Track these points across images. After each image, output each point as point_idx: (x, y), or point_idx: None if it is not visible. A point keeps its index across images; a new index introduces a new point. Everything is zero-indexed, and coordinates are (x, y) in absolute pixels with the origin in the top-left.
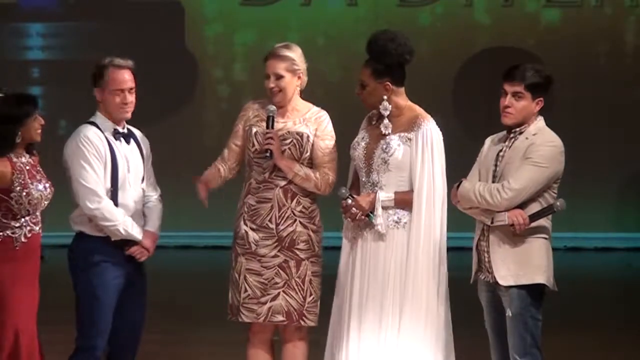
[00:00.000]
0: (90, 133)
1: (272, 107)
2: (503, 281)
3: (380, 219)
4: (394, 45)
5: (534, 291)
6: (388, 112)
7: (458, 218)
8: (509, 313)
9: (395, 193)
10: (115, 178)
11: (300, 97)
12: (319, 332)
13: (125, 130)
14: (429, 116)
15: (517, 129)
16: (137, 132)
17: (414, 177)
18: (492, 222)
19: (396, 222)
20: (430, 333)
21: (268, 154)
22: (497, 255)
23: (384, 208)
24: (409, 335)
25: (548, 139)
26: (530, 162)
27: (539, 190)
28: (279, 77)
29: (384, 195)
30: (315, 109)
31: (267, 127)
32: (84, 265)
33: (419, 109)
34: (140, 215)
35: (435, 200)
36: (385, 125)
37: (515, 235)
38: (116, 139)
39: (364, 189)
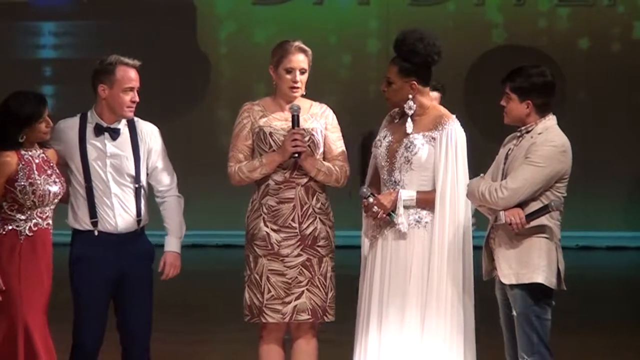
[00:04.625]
0: (61, 125)
1: (296, 106)
2: (506, 280)
3: (402, 218)
4: (422, 44)
5: (536, 290)
6: (412, 111)
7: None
8: (514, 312)
9: (417, 192)
10: (87, 173)
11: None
12: (332, 332)
13: (118, 125)
14: (453, 116)
15: (524, 128)
16: (143, 126)
17: (437, 177)
18: (495, 221)
19: (417, 221)
20: (455, 334)
21: (297, 155)
22: (500, 253)
23: (406, 207)
24: (433, 337)
25: (549, 138)
26: (528, 161)
27: (538, 190)
28: (304, 71)
29: (406, 194)
30: (316, 103)
31: (293, 127)
32: (70, 260)
33: (443, 109)
34: (134, 211)
35: (459, 201)
36: (409, 124)
37: (517, 235)
38: (97, 135)
39: (385, 187)
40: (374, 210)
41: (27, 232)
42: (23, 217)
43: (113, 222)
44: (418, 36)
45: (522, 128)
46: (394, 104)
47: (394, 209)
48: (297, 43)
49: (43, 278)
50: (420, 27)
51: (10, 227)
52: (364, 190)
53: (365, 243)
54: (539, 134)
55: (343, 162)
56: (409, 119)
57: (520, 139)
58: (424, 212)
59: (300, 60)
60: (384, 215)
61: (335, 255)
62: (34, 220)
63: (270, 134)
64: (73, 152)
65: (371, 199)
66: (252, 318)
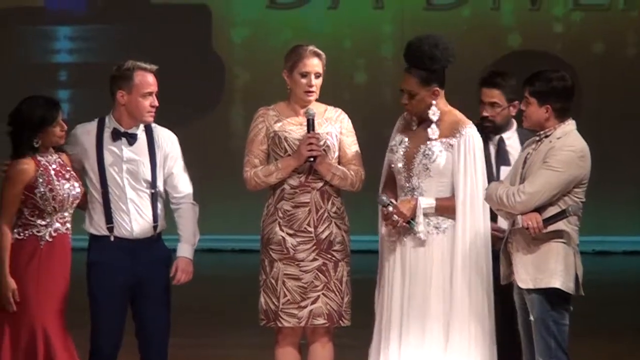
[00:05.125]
0: (79, 130)
1: (312, 110)
2: (523, 284)
3: (422, 226)
4: (438, 50)
5: (553, 295)
6: (437, 117)
7: None
8: (531, 317)
9: (437, 199)
10: (103, 178)
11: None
12: (348, 337)
13: (136, 131)
14: (470, 121)
15: (543, 132)
16: (160, 132)
17: (457, 184)
18: (513, 225)
19: (436, 227)
20: (480, 346)
21: (312, 160)
22: (518, 258)
23: (425, 215)
24: (457, 349)
25: (567, 143)
26: (546, 166)
27: (556, 195)
28: (318, 75)
29: (426, 202)
30: (331, 108)
31: (308, 131)
32: (87, 265)
33: (459, 114)
34: (150, 217)
35: (479, 207)
36: (433, 130)
37: (535, 239)
38: (114, 140)
39: (403, 193)
40: (393, 219)
41: (47, 237)
42: (44, 223)
43: (129, 227)
44: (433, 42)
45: (541, 132)
46: (417, 114)
47: (413, 216)
48: (311, 47)
49: (60, 284)
50: (430, 33)
51: (30, 233)
52: (383, 198)
53: (384, 248)
54: (558, 138)
55: (358, 167)
56: (433, 125)
57: (539, 143)
58: (443, 218)
59: (314, 64)
60: (404, 224)
61: (351, 260)
62: (54, 226)
63: (285, 138)
64: (90, 157)
65: (390, 208)
66: (268, 322)
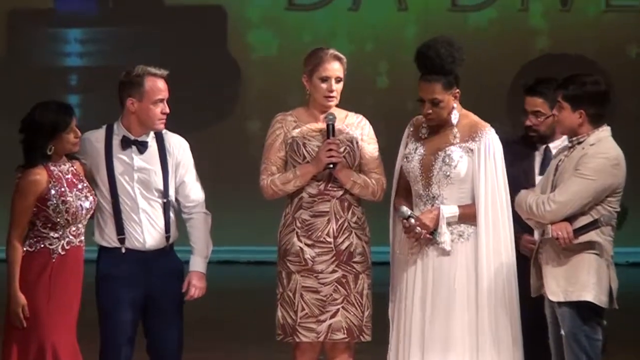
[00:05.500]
0: (86, 138)
1: (332, 115)
2: (553, 297)
3: (446, 236)
4: (455, 50)
5: (585, 309)
6: (457, 120)
7: None
8: (562, 331)
9: (459, 207)
10: (113, 188)
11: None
12: (369, 352)
13: (146, 139)
14: (488, 124)
15: (575, 139)
16: (171, 139)
17: (478, 190)
18: (543, 235)
19: (460, 235)
20: (509, 354)
21: (332, 166)
22: (548, 269)
23: (448, 224)
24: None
25: (601, 150)
26: (578, 174)
27: (587, 204)
28: (339, 80)
29: (449, 212)
30: (352, 113)
31: (328, 137)
32: (97, 278)
33: (474, 116)
34: (163, 227)
35: (502, 213)
36: (455, 134)
37: (566, 250)
38: (124, 149)
39: (421, 202)
40: (416, 231)
41: (59, 250)
42: (56, 235)
43: (141, 238)
44: (447, 43)
45: (574, 139)
46: (442, 121)
47: (436, 227)
48: (331, 51)
49: (72, 297)
50: (437, 36)
51: (42, 245)
52: (403, 210)
53: (399, 261)
54: (591, 145)
55: (380, 175)
56: (455, 129)
57: (572, 149)
58: (464, 225)
59: (335, 68)
60: (428, 236)
61: (372, 272)
62: (67, 239)
63: (304, 145)
64: (99, 166)
65: (412, 220)
66: (285, 337)
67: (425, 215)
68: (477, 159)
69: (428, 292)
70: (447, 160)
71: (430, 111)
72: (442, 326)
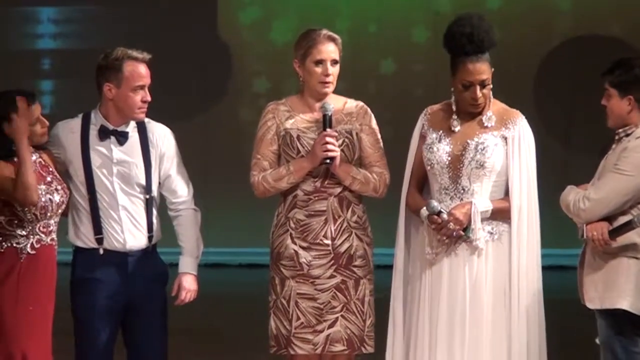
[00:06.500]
0: (60, 128)
1: (329, 105)
2: (590, 304)
3: (480, 233)
4: (487, 23)
5: (622, 318)
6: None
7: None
8: (597, 340)
9: (492, 202)
10: (90, 183)
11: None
12: None
13: (126, 129)
14: (519, 111)
15: (622, 130)
16: (154, 128)
17: (512, 182)
18: (581, 236)
19: (491, 233)
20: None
21: (328, 161)
22: (586, 274)
23: (481, 220)
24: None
25: None
26: (615, 169)
27: (627, 202)
28: (335, 62)
29: (483, 206)
30: (351, 100)
31: (325, 128)
32: (72, 282)
33: (501, 103)
34: (145, 226)
35: (536, 212)
36: (489, 118)
37: (605, 253)
38: (102, 140)
39: (447, 196)
40: (449, 227)
41: (28, 249)
42: (24, 233)
43: (121, 238)
44: (479, 17)
45: (620, 130)
46: (483, 108)
47: (468, 223)
48: (324, 31)
49: (45, 303)
50: (463, 13)
51: (8, 245)
52: (434, 205)
53: (421, 261)
54: (638, 138)
55: (382, 169)
56: (490, 112)
57: (619, 142)
58: (496, 223)
59: (330, 50)
60: (460, 232)
61: (374, 277)
62: (36, 237)
63: (298, 137)
64: (74, 159)
65: (445, 215)
66: (279, 349)
67: (458, 209)
68: (511, 148)
69: (458, 294)
70: (481, 149)
71: (481, 94)
72: (473, 332)
